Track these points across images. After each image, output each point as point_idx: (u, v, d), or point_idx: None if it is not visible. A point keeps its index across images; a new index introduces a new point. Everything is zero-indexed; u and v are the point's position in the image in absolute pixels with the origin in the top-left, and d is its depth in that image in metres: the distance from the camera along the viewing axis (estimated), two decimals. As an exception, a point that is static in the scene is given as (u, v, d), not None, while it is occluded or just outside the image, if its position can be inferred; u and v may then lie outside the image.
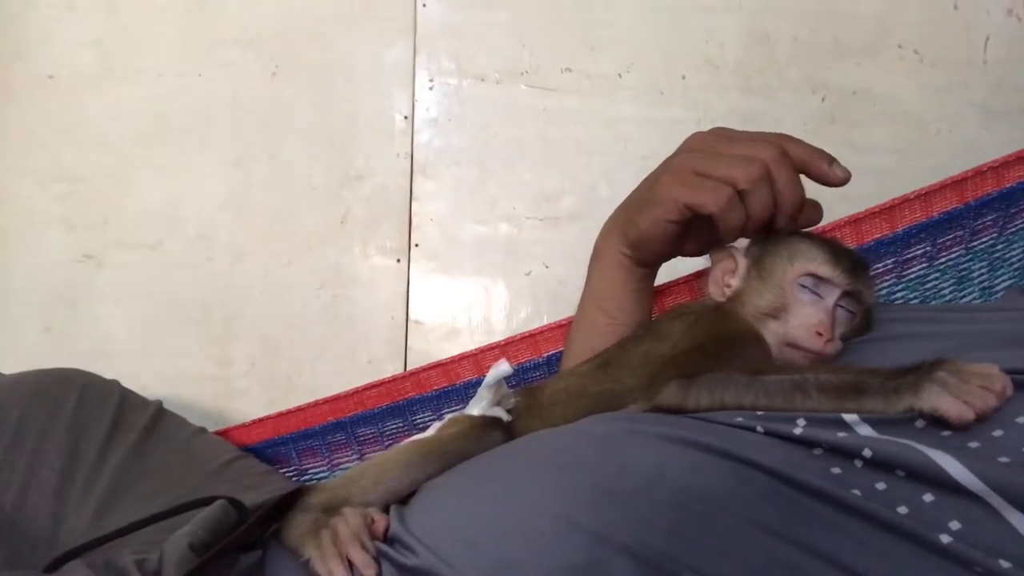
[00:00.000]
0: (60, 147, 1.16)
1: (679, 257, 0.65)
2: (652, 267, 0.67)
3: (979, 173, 0.68)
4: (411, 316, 1.12)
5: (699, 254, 0.64)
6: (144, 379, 1.11)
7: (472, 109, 1.16)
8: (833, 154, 1.25)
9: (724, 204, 0.54)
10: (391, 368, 1.11)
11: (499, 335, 1.12)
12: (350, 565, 0.46)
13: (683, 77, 1.16)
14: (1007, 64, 1.15)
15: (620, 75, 1.16)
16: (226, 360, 1.12)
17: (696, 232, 0.61)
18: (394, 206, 1.14)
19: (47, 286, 1.13)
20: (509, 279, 1.13)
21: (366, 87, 1.16)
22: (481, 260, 1.13)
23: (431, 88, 1.16)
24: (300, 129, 1.15)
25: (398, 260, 1.13)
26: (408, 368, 1.11)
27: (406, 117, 1.16)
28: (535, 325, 1.11)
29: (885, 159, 1.14)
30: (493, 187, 1.15)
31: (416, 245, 1.14)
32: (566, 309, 1.11)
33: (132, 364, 1.11)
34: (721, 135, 0.59)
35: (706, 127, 1.21)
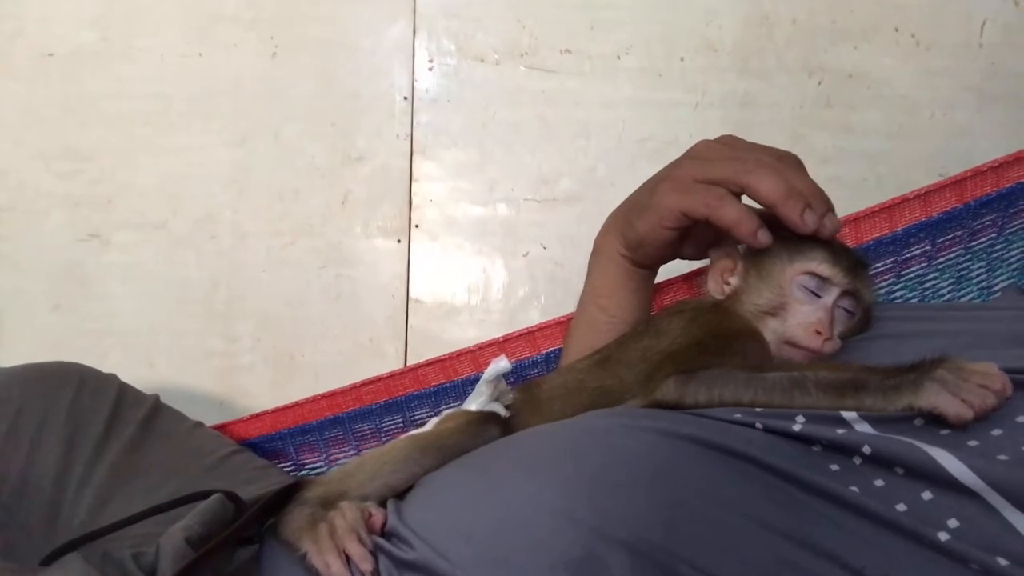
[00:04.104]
0: (63, 125, 1.12)
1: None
2: (651, 268, 0.65)
3: (978, 173, 0.65)
4: (411, 295, 1.10)
5: (698, 258, 0.62)
6: (151, 356, 1.10)
7: (471, 90, 1.12)
8: (828, 137, 1.21)
9: (714, 203, 0.52)
10: (392, 347, 1.10)
11: (497, 314, 1.10)
12: (347, 559, 0.45)
13: (682, 59, 1.12)
14: (1003, 49, 1.11)
15: (619, 57, 1.12)
16: (231, 337, 1.10)
17: (695, 237, 0.59)
18: (394, 187, 1.11)
19: (55, 264, 1.11)
20: (507, 259, 1.11)
21: (366, 67, 1.13)
22: (480, 241, 1.11)
23: (431, 69, 1.13)
24: (301, 109, 1.12)
25: (398, 240, 1.11)
26: (408, 346, 1.09)
27: (406, 98, 1.12)
28: (532, 305, 1.10)
29: (879, 143, 1.11)
30: (492, 168, 1.12)
31: (416, 226, 1.11)
32: (563, 290, 1.11)
33: (139, 341, 1.10)
34: (726, 143, 0.57)
35: (704, 110, 1.18)
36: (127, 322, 1.10)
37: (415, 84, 1.12)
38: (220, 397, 1.08)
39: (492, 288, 1.11)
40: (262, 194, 1.11)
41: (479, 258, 1.11)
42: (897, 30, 1.12)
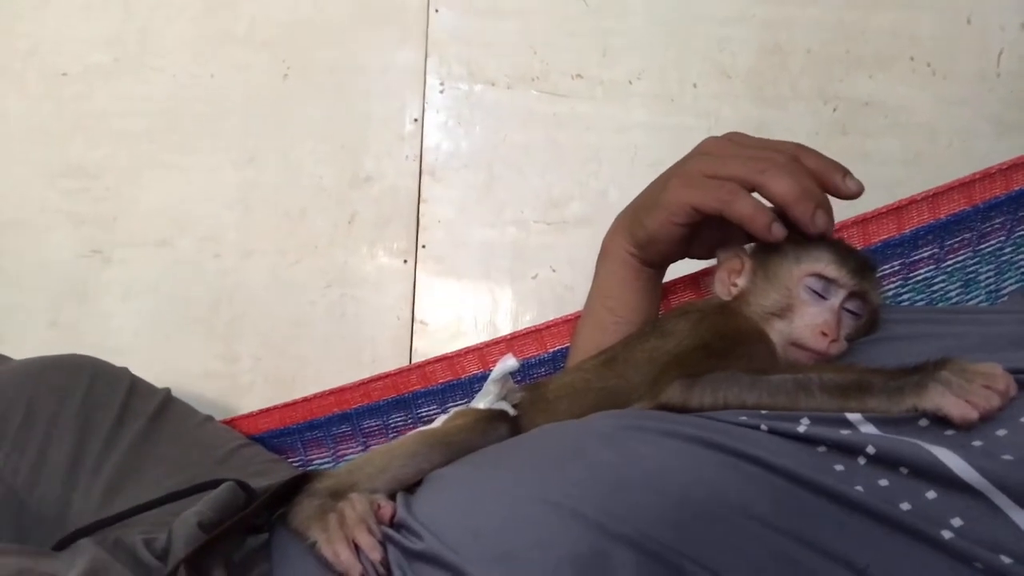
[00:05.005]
0: (71, 143, 1.18)
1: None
2: (659, 267, 0.67)
3: (987, 175, 0.68)
4: (417, 317, 1.14)
5: (706, 257, 0.64)
6: (149, 375, 1.12)
7: (482, 113, 1.18)
8: (844, 165, 1.27)
9: (727, 198, 0.54)
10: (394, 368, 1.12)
11: (504, 338, 1.13)
12: (356, 549, 0.47)
13: (694, 85, 1.18)
14: (1020, 78, 1.16)
15: (631, 82, 1.18)
16: (231, 357, 1.13)
17: (704, 235, 0.62)
18: (402, 208, 1.16)
19: (55, 280, 1.15)
20: (515, 282, 1.15)
21: (377, 90, 1.19)
22: (488, 263, 1.15)
23: (442, 92, 1.19)
24: (311, 130, 1.18)
25: (405, 261, 1.15)
26: (412, 369, 1.12)
27: (416, 120, 1.18)
28: (541, 329, 1.14)
29: (896, 171, 1.16)
30: (501, 191, 1.17)
31: (423, 247, 1.15)
32: (572, 313, 1.14)
33: (138, 360, 1.11)
34: (734, 140, 0.59)
35: (716, 135, 1.23)
36: (124, 340, 1.14)
37: (425, 106, 1.18)
38: (218, 417, 1.11)
39: (499, 311, 1.14)
40: (268, 213, 1.16)
41: (487, 280, 1.15)
42: (912, 59, 1.18)
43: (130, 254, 1.16)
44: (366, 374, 1.10)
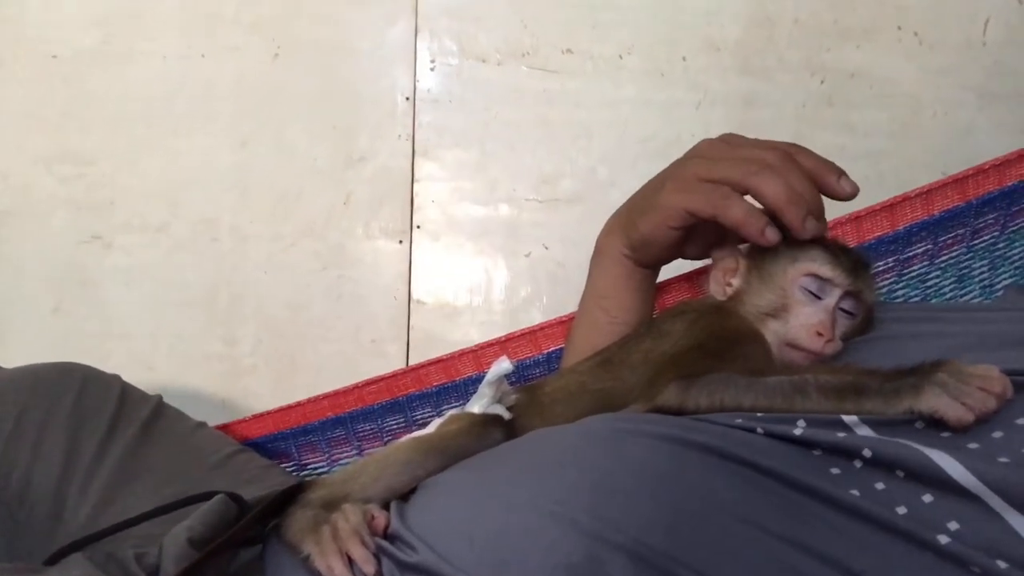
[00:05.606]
0: (65, 128, 1.12)
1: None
2: (653, 268, 0.65)
3: (980, 171, 0.65)
4: (413, 296, 1.11)
5: (700, 258, 0.62)
6: (152, 358, 1.10)
7: (473, 90, 1.12)
8: (830, 136, 1.21)
9: (720, 202, 0.52)
10: (394, 347, 1.10)
11: (499, 315, 1.10)
12: (349, 561, 0.45)
13: (684, 59, 1.12)
14: (1006, 47, 1.11)
15: (621, 57, 1.12)
16: (232, 340, 1.10)
17: (698, 237, 0.59)
18: (396, 187, 1.12)
19: (56, 267, 1.11)
20: (509, 260, 1.11)
21: (368, 68, 1.13)
22: (481, 241, 1.11)
23: (432, 69, 1.13)
24: (303, 110, 1.12)
25: (400, 241, 1.11)
26: (410, 347, 1.10)
27: (408, 98, 1.12)
28: (534, 305, 1.10)
29: (881, 141, 1.11)
30: (494, 169, 1.12)
31: (418, 226, 1.11)
32: (565, 290, 1.11)
33: (141, 344, 1.10)
34: (729, 142, 0.56)
35: (706, 109, 1.18)
36: (128, 325, 1.10)
37: (417, 84, 1.12)
38: (222, 399, 1.08)
39: (494, 289, 1.11)
40: (264, 196, 1.11)
41: (481, 258, 1.11)
42: (900, 29, 1.12)
43: (129, 239, 1.11)
44: (366, 354, 1.09)
